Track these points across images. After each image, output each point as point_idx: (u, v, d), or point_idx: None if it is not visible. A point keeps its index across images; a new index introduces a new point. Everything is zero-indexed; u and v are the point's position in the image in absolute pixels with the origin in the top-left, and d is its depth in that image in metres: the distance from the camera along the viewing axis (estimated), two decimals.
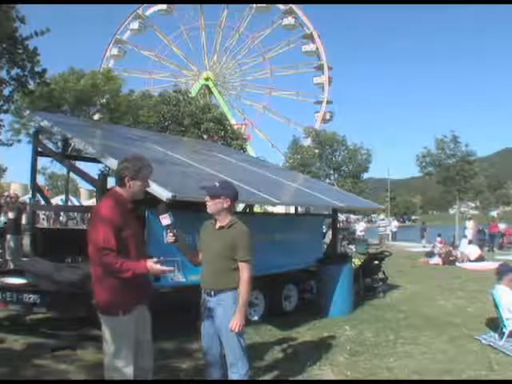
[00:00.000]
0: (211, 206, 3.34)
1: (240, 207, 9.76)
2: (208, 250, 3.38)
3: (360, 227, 24.89)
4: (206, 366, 3.46)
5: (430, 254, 15.35)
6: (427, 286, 9.80)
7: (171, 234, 3.26)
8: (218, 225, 3.36)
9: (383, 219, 30.43)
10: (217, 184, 3.40)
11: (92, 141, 6.40)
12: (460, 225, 23.68)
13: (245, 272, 3.24)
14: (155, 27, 53.40)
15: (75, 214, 25.57)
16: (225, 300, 3.27)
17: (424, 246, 21.10)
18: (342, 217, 32.74)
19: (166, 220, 3.22)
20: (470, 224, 20.82)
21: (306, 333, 5.85)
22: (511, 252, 19.11)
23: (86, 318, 4.74)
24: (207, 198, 3.36)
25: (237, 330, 3.18)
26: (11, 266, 8.05)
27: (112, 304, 2.78)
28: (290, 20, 49.93)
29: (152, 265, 2.83)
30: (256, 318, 6.23)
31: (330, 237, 9.70)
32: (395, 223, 31.28)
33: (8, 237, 9.78)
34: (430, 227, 28.06)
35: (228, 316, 3.23)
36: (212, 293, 3.31)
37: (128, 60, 54.22)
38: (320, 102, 50.78)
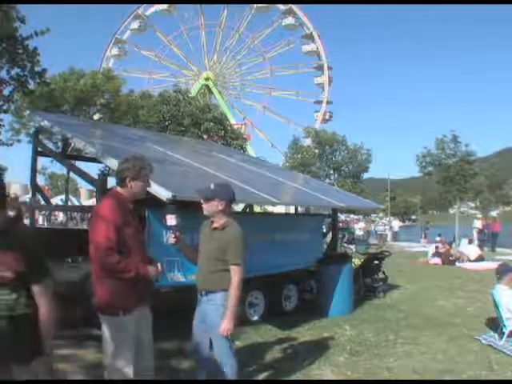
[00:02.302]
0: (206, 208, 3.38)
1: (240, 207, 9.77)
2: (202, 251, 3.43)
3: (359, 227, 24.89)
4: (196, 365, 3.54)
5: (435, 255, 15.22)
6: (427, 286, 9.79)
7: (173, 236, 3.30)
8: (213, 226, 3.40)
9: (382, 219, 30.40)
10: (211, 186, 3.42)
11: (92, 141, 6.40)
12: (461, 224, 23.66)
13: (235, 275, 3.25)
14: (155, 27, 53.43)
15: (75, 213, 25.56)
16: (215, 300, 3.31)
17: (424, 246, 21.09)
18: (341, 217, 32.73)
19: (172, 220, 3.25)
20: (478, 223, 20.66)
21: (306, 333, 5.85)
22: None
23: (86, 318, 4.74)
24: (202, 201, 3.39)
25: (225, 334, 3.21)
26: None
27: (112, 304, 2.78)
28: (290, 20, 49.93)
29: (152, 269, 2.90)
30: (256, 317, 6.23)
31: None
32: (397, 223, 30.67)
33: None
34: (430, 227, 27.98)
35: (217, 315, 3.27)
36: (203, 292, 3.36)
37: (128, 60, 54.31)
38: (320, 102, 50.80)
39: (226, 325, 3.21)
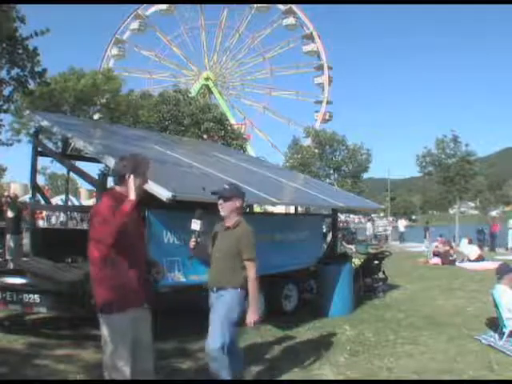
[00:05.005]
0: (225, 207, 3.47)
1: None
2: (216, 250, 3.50)
3: (369, 228, 24.83)
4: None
5: (435, 255, 15.15)
6: (427, 286, 9.79)
7: (194, 240, 3.39)
8: (225, 225, 3.50)
9: (383, 219, 30.06)
10: (226, 186, 3.57)
11: (92, 140, 6.40)
12: (461, 224, 23.66)
13: (251, 270, 3.37)
14: (155, 27, 53.41)
15: (75, 213, 25.55)
16: (225, 295, 3.37)
17: (427, 247, 21.01)
18: (341, 217, 32.64)
19: (195, 225, 3.38)
20: None
21: (305, 333, 5.85)
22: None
23: (86, 318, 4.74)
24: (220, 201, 3.48)
25: (252, 325, 3.33)
26: (11, 266, 8.05)
27: (107, 302, 2.79)
28: (290, 20, 49.97)
29: (131, 187, 2.83)
30: None
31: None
32: (403, 222, 29.51)
33: (8, 237, 9.77)
34: (431, 227, 27.72)
35: (220, 310, 3.34)
36: (214, 289, 3.43)
37: (128, 60, 54.27)
38: (320, 102, 50.82)
39: (251, 316, 3.31)
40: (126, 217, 2.74)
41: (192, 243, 3.40)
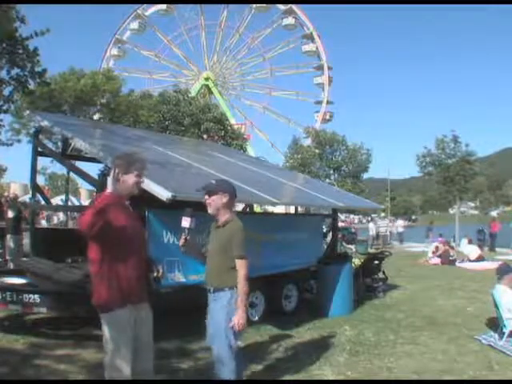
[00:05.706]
0: (210, 203, 3.39)
1: (240, 207, 9.78)
2: (209, 249, 3.46)
3: (372, 228, 24.85)
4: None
5: (435, 255, 15.16)
6: (427, 286, 9.80)
7: (183, 237, 3.36)
8: (217, 223, 3.43)
9: (384, 219, 29.89)
10: (213, 181, 3.49)
11: (92, 141, 6.40)
12: (461, 224, 23.63)
13: (241, 269, 3.28)
14: (155, 27, 53.46)
15: (75, 213, 25.51)
16: (220, 298, 3.31)
17: (426, 247, 21.00)
18: (341, 217, 32.57)
19: (186, 222, 3.35)
20: None
21: (305, 333, 5.85)
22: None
23: (86, 318, 4.75)
24: (206, 197, 3.41)
25: (238, 327, 3.20)
26: (11, 266, 8.05)
27: (107, 300, 2.79)
28: (290, 20, 50.01)
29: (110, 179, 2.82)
30: (256, 318, 6.23)
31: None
32: (401, 223, 29.35)
33: (8, 237, 9.77)
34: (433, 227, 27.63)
35: (222, 314, 3.27)
36: (211, 289, 3.37)
37: (128, 60, 54.36)
38: (320, 102, 50.85)
39: (238, 318, 3.20)
40: (101, 205, 2.67)
41: (181, 241, 3.37)
